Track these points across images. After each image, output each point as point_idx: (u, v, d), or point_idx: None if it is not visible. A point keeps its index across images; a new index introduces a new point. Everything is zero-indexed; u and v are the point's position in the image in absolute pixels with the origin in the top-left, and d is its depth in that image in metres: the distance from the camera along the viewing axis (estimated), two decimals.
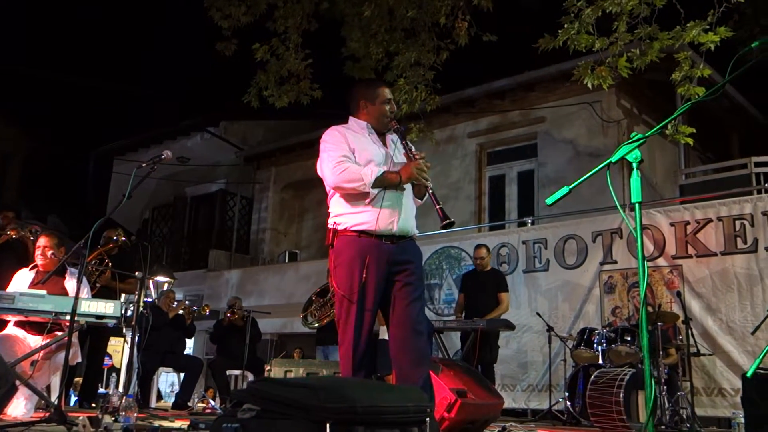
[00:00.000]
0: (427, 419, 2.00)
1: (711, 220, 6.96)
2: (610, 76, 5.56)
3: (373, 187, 3.11)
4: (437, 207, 3.13)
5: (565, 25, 5.48)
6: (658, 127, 2.11)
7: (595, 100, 9.30)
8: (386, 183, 3.15)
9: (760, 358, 2.19)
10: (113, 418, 3.63)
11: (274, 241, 13.95)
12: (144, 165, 4.04)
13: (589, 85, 5.65)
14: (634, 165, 1.98)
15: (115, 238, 6.14)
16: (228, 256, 13.95)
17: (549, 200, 2.20)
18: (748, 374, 2.55)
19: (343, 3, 7.64)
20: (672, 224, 7.20)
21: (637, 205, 2.01)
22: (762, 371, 5.60)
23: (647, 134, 1.99)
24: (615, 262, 7.50)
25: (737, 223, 6.80)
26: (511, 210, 10.64)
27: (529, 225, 8.66)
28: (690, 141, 5.60)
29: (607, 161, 2.06)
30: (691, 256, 7.02)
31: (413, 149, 3.27)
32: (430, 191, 3.20)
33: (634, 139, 1.95)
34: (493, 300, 6.85)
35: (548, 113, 10.20)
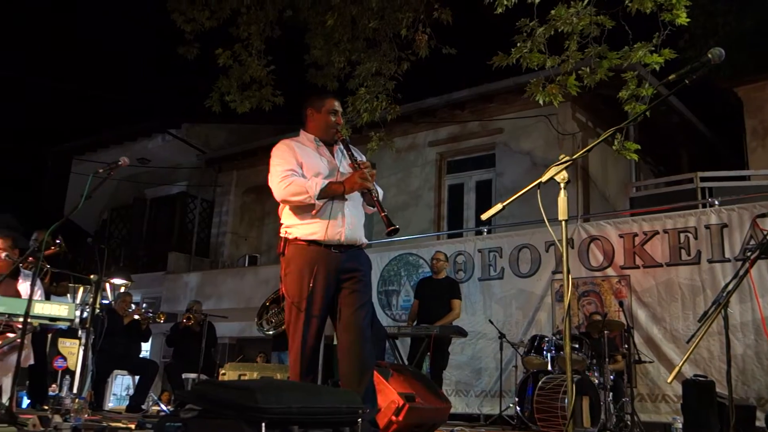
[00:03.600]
0: (359, 420, 2.12)
1: (657, 233, 7.22)
2: (560, 94, 5.77)
3: (319, 198, 3.22)
4: (382, 214, 3.25)
5: (518, 44, 5.67)
6: (582, 151, 2.26)
7: (551, 113, 9.54)
8: (331, 194, 3.26)
9: (680, 365, 2.35)
10: (63, 419, 3.66)
11: (234, 245, 13.92)
12: (101, 171, 4.08)
13: (540, 102, 5.85)
14: (562, 185, 2.12)
15: (58, 241, 6.08)
16: (187, 259, 13.87)
17: (484, 216, 2.34)
18: (669, 381, 2.72)
19: (306, 11, 7.72)
20: (621, 235, 7.44)
21: (563, 223, 2.15)
22: (700, 378, 5.88)
23: (574, 157, 2.13)
24: None
25: (682, 235, 7.07)
26: (468, 218, 10.83)
27: (486, 234, 8.84)
28: (635, 157, 5.83)
29: (537, 181, 2.20)
30: (638, 267, 7.27)
31: (358, 158, 3.39)
32: (375, 198, 3.30)
33: (562, 161, 2.09)
34: (446, 307, 6.99)
35: (506, 124, 10.44)
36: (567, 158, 2.09)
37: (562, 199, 2.10)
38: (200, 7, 7.51)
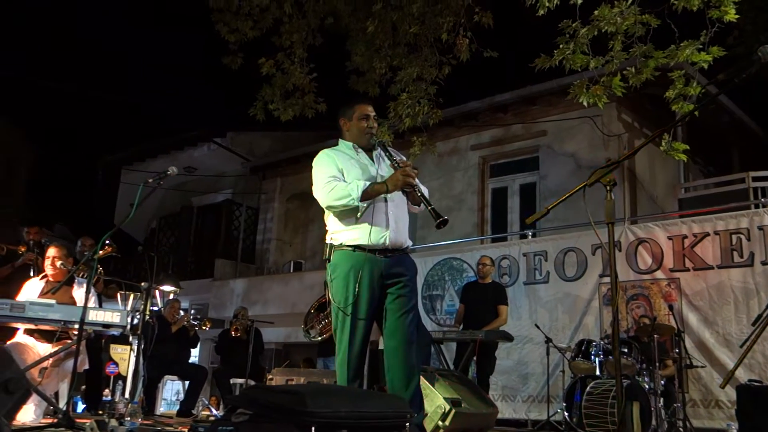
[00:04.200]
0: (407, 425, 2.13)
1: (708, 234, 7.06)
2: (604, 95, 5.69)
3: (362, 199, 3.24)
4: (429, 208, 3.24)
5: (561, 45, 5.61)
6: (629, 154, 2.24)
7: (596, 114, 9.39)
8: (374, 194, 3.28)
9: (733, 370, 2.30)
10: (119, 423, 3.77)
11: (279, 251, 14.08)
12: (150, 181, 4.19)
13: (585, 104, 5.77)
14: (608, 188, 2.10)
15: (108, 242, 6.23)
16: (233, 266, 14.09)
17: (529, 219, 2.33)
18: (721, 386, 2.65)
19: (347, 18, 7.77)
20: (670, 237, 7.30)
21: (609, 226, 2.13)
22: (755, 383, 5.70)
23: (620, 159, 2.11)
24: None
25: (734, 237, 6.90)
26: (513, 222, 10.73)
27: (530, 237, 8.76)
28: (684, 157, 5.70)
29: (583, 184, 2.18)
30: (688, 270, 7.12)
31: (397, 158, 3.39)
32: (419, 194, 3.29)
33: (607, 165, 2.07)
34: (492, 312, 6.94)
35: (550, 127, 10.33)
36: (613, 161, 2.07)
37: (608, 201, 2.08)
38: (243, 17, 7.62)
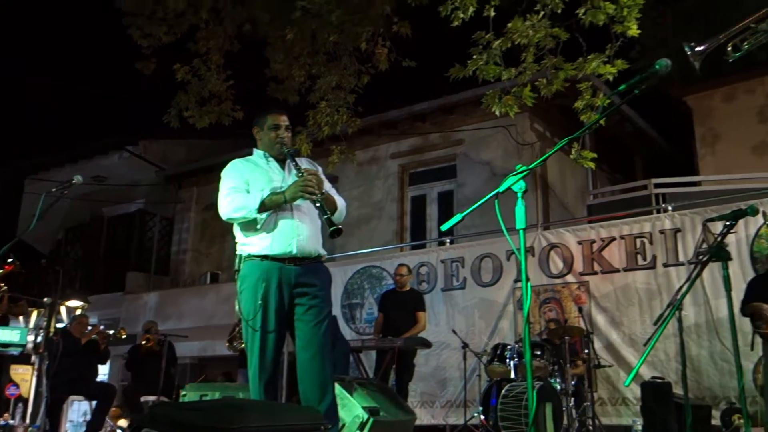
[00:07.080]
0: None
1: (614, 239, 7.37)
2: (516, 105, 5.87)
3: (260, 210, 3.20)
4: (324, 217, 3.18)
5: (474, 56, 5.75)
6: (538, 161, 2.30)
7: (510, 124, 9.66)
8: (272, 205, 3.23)
9: (636, 367, 2.40)
10: None
11: (195, 262, 13.71)
12: (54, 190, 3.99)
13: (497, 113, 5.93)
14: (519, 195, 2.16)
15: (10, 260, 5.91)
16: (147, 278, 13.61)
17: (444, 227, 2.35)
18: (626, 383, 2.77)
19: (266, 25, 7.69)
20: (579, 242, 7.57)
21: (521, 232, 2.18)
22: (658, 380, 5.99)
23: (530, 166, 2.17)
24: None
25: (638, 241, 7.22)
26: (431, 229, 10.88)
27: (448, 244, 8.89)
28: (592, 165, 5.96)
29: (495, 191, 2.23)
30: (596, 273, 7.40)
31: (302, 167, 3.34)
32: (317, 204, 3.23)
33: (519, 171, 2.13)
34: (411, 319, 6.99)
35: (467, 136, 10.54)
36: (524, 168, 2.13)
37: (519, 208, 2.13)
38: (158, 22, 7.41)
